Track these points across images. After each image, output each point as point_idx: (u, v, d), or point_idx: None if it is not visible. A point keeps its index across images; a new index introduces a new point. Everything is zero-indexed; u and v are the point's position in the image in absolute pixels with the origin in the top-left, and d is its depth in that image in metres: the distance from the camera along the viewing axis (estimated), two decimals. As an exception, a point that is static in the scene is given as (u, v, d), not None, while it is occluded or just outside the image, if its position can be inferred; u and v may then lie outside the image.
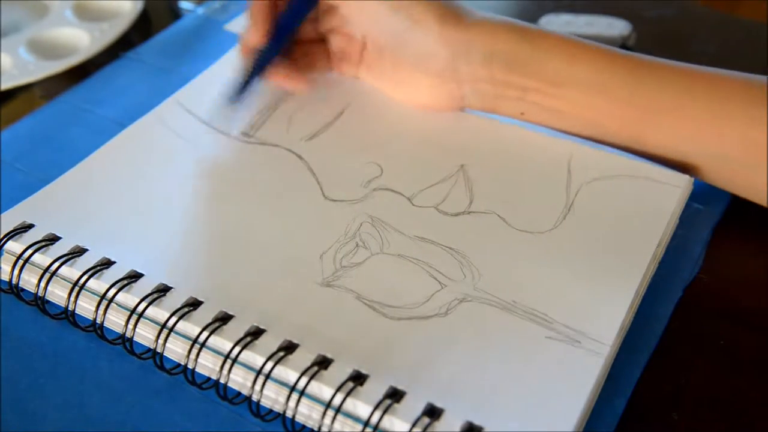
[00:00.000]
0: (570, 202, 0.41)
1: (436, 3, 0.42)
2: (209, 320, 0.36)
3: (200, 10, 0.60)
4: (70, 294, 0.37)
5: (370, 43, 0.46)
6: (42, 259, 0.39)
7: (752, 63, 0.56)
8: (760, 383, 0.37)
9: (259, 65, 0.45)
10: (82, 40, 0.57)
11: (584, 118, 0.42)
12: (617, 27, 0.56)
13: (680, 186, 0.41)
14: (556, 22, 0.57)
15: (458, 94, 0.44)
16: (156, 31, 0.58)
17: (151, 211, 0.42)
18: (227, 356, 0.34)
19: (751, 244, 0.44)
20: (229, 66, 0.51)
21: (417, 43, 0.42)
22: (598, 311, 0.36)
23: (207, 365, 0.35)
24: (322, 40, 0.48)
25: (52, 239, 0.39)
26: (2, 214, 0.41)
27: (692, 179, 0.42)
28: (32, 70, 0.54)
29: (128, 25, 0.58)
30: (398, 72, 0.45)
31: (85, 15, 0.60)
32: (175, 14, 0.63)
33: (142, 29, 0.60)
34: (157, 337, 0.36)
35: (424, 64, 0.43)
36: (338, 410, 0.33)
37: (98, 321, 0.37)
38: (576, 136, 0.43)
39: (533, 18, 0.58)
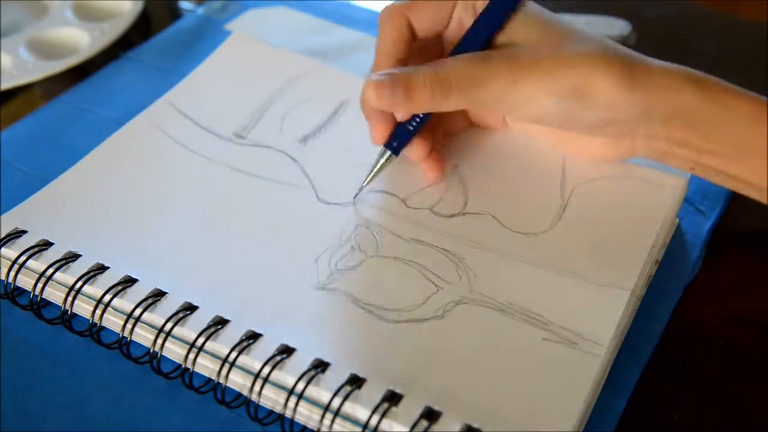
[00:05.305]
0: (564, 203, 0.41)
1: (613, 64, 0.36)
2: (205, 325, 0.36)
3: (200, 10, 0.60)
4: (65, 299, 0.37)
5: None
6: (36, 264, 0.39)
7: (752, 63, 0.56)
8: (760, 383, 0.37)
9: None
10: (82, 40, 0.57)
11: (765, 189, 0.37)
12: (617, 27, 0.56)
13: (675, 187, 0.41)
14: (556, 22, 0.57)
15: (628, 149, 0.40)
16: (156, 31, 0.58)
17: (143, 215, 0.41)
18: (224, 360, 0.34)
19: (750, 244, 0.44)
20: (218, 64, 0.52)
21: (590, 119, 0.37)
22: (594, 312, 0.36)
23: (205, 368, 0.35)
24: None
25: (45, 245, 0.39)
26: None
27: (687, 181, 0.42)
28: (32, 70, 0.54)
29: (128, 25, 0.58)
30: (562, 134, 0.41)
31: (85, 15, 0.60)
32: (175, 14, 0.63)
33: (142, 29, 0.60)
34: (154, 342, 0.36)
35: (596, 132, 0.39)
36: (336, 414, 0.33)
37: (94, 326, 0.37)
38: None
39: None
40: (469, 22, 0.39)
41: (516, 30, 0.38)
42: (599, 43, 0.37)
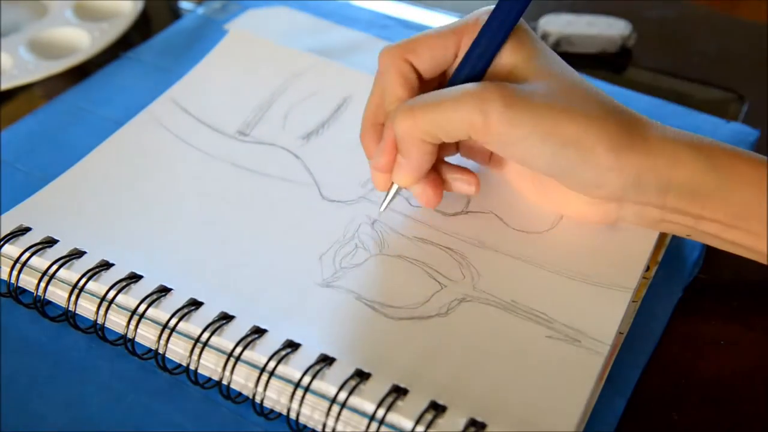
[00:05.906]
0: None
1: (610, 125, 0.34)
2: (210, 320, 0.36)
3: (200, 10, 0.60)
4: (69, 296, 0.37)
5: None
6: (40, 262, 0.39)
7: (752, 63, 0.56)
8: (760, 383, 0.37)
9: None
10: (82, 40, 0.57)
11: (765, 253, 0.36)
12: (617, 27, 0.56)
13: None
14: (556, 22, 0.57)
15: (615, 215, 0.38)
16: (156, 31, 0.58)
17: (147, 212, 0.42)
18: (230, 355, 0.35)
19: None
20: (219, 60, 0.52)
21: (583, 176, 0.35)
22: (596, 311, 0.36)
23: (209, 365, 0.35)
24: None
25: (50, 242, 0.39)
26: (-1, 217, 0.41)
27: None
28: (32, 70, 0.54)
29: (128, 25, 0.58)
30: (545, 186, 0.39)
31: (85, 15, 0.60)
32: (175, 14, 0.63)
33: (142, 29, 0.60)
34: (159, 337, 0.36)
35: (587, 191, 0.36)
36: (343, 406, 0.33)
37: (99, 323, 0.37)
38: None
39: (533, 18, 0.58)
40: None
41: (508, 58, 0.36)
42: (597, 99, 0.35)
